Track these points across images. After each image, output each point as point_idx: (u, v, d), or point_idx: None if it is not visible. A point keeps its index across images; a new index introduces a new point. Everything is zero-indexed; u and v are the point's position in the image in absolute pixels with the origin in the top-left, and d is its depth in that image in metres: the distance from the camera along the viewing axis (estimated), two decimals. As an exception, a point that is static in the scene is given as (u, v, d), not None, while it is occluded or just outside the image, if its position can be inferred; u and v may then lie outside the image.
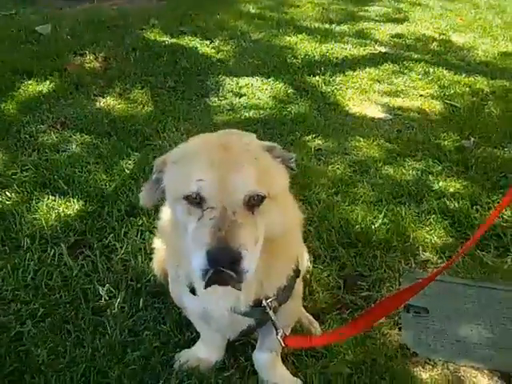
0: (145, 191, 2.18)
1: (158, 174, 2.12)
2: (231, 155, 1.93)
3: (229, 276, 1.81)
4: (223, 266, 1.78)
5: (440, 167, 4.77)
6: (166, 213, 2.37)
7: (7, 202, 3.95)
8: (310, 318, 3.16)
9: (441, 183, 4.53)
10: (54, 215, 3.84)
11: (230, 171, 1.88)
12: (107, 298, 3.21)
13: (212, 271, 1.80)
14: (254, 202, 1.90)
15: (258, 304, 2.31)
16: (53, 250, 3.53)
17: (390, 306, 2.52)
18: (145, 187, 2.19)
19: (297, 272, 2.43)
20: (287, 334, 2.40)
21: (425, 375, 2.90)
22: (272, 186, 1.95)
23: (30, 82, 5.83)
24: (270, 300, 2.31)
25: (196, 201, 1.90)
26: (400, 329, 3.18)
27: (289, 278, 2.37)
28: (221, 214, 1.85)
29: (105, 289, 3.26)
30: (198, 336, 2.89)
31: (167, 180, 2.09)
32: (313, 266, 3.51)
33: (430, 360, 3.00)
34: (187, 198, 1.92)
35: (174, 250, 2.31)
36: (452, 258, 3.19)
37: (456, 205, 4.24)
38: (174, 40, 7.26)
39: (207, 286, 1.88)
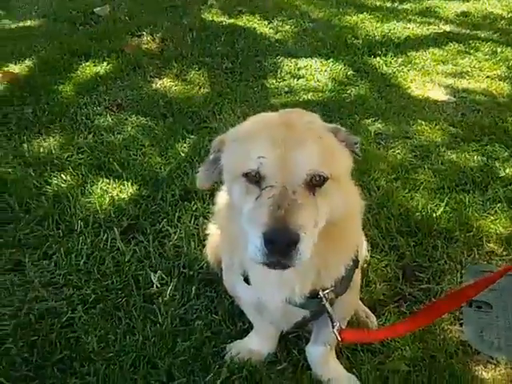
0: (202, 172, 2.13)
1: (216, 153, 2.07)
2: (293, 133, 1.86)
3: (282, 260, 1.73)
4: (280, 247, 1.70)
5: (507, 153, 4.55)
6: (222, 197, 2.32)
7: (62, 185, 3.94)
8: (367, 310, 3.05)
9: (508, 170, 4.32)
10: (107, 199, 3.82)
11: (292, 149, 1.81)
12: (159, 286, 3.17)
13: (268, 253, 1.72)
14: (315, 183, 1.83)
15: (314, 295, 2.22)
16: (106, 235, 3.50)
17: (453, 302, 2.39)
18: (202, 168, 2.14)
19: (356, 262, 2.33)
20: (343, 327, 2.30)
21: (487, 375, 2.76)
22: (335, 167, 1.88)
23: (87, 63, 5.83)
24: (327, 291, 2.23)
25: (255, 179, 1.84)
26: (461, 324, 3.04)
27: (347, 269, 2.27)
28: (280, 193, 1.77)
29: (157, 275, 3.21)
30: (250, 327, 2.83)
31: (226, 159, 2.02)
32: (370, 256, 3.38)
33: (492, 359, 2.85)
34: (246, 175, 1.86)
35: (229, 235, 2.25)
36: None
37: (524, 193, 4.03)
38: (231, 20, 7.15)
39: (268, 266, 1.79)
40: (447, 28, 7.37)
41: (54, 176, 4.02)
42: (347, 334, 2.28)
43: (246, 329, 2.89)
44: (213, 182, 2.12)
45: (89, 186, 3.95)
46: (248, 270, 2.22)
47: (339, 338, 2.23)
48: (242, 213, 1.88)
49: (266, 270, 1.97)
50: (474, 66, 6.28)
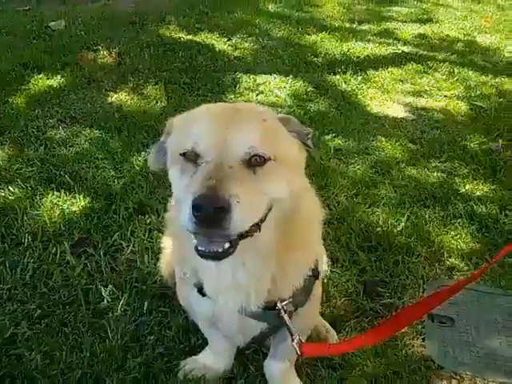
0: (153, 153, 2.10)
1: (166, 136, 2.03)
2: (236, 115, 1.84)
3: (214, 223, 1.62)
4: (207, 213, 1.60)
5: (466, 170, 4.54)
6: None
7: (10, 198, 3.77)
8: (327, 325, 2.96)
9: (467, 186, 4.30)
10: (57, 212, 3.66)
11: (231, 128, 1.78)
12: (109, 300, 3.03)
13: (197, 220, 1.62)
14: (255, 162, 1.76)
15: (271, 307, 2.11)
16: (54, 248, 3.35)
17: (415, 313, 2.32)
18: (153, 149, 2.10)
19: (315, 273, 2.23)
20: (303, 341, 2.18)
21: (451, 390, 2.68)
22: (279, 150, 1.82)
23: (39, 76, 5.65)
24: (285, 303, 2.12)
25: (192, 158, 1.79)
26: (424, 339, 2.96)
27: (306, 279, 2.17)
28: (215, 166, 1.70)
29: (108, 290, 3.07)
30: (205, 343, 2.70)
31: (169, 142, 1.99)
32: (331, 271, 3.29)
33: (456, 374, 2.78)
34: (184, 155, 1.81)
35: (178, 238, 2.14)
36: (486, 265, 2.95)
37: (484, 209, 4.02)
38: (190, 37, 7.06)
39: (197, 239, 1.72)
40: (405, 49, 7.41)
41: (1, 188, 3.86)
42: (307, 348, 2.17)
43: (200, 344, 2.76)
44: (162, 164, 2.03)
45: (38, 198, 3.79)
46: (201, 277, 2.10)
47: (299, 352, 2.12)
48: (179, 191, 1.84)
49: (220, 273, 1.98)
50: (432, 86, 6.32)
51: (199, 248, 1.72)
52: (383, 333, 2.25)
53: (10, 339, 2.75)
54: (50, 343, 2.72)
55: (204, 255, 1.73)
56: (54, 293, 3.04)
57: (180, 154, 1.82)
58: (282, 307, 2.11)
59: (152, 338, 2.79)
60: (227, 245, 1.71)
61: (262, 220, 1.80)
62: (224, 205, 1.60)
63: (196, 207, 1.60)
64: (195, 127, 1.83)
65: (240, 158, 1.74)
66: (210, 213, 1.60)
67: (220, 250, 1.71)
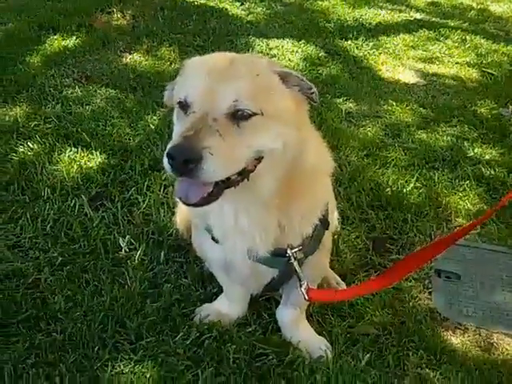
0: (167, 91, 2.19)
1: (179, 76, 2.09)
2: (230, 68, 1.90)
3: (185, 172, 1.74)
4: (177, 163, 1.71)
5: (476, 134, 4.61)
6: None
7: (29, 153, 3.85)
8: (338, 278, 3.06)
9: (476, 150, 4.37)
10: (75, 167, 3.75)
11: (221, 80, 1.85)
12: (127, 250, 3.13)
13: (171, 167, 1.74)
14: (239, 116, 1.83)
15: (282, 254, 2.21)
16: (73, 201, 3.44)
17: (419, 260, 2.41)
18: (168, 86, 2.18)
19: (325, 223, 2.32)
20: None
21: (455, 340, 2.79)
22: (270, 105, 1.88)
23: (55, 37, 5.68)
24: (294, 250, 2.23)
25: (184, 107, 1.88)
26: (430, 293, 3.06)
27: (315, 227, 2.27)
28: (199, 118, 1.80)
29: (125, 240, 3.17)
30: (220, 291, 2.80)
31: (177, 84, 2.06)
32: (341, 228, 3.37)
33: (460, 325, 2.89)
34: (179, 103, 1.91)
35: None
36: (490, 211, 3.04)
37: (492, 172, 4.10)
38: (203, 1, 7.06)
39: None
40: (418, 16, 7.41)
41: (21, 144, 3.93)
42: (314, 294, 2.28)
43: (215, 292, 2.87)
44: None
45: (56, 154, 3.87)
46: (208, 221, 2.22)
47: (306, 297, 2.23)
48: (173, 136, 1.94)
49: (225, 218, 2.12)
50: (443, 53, 6.34)
51: (178, 195, 1.86)
52: (389, 279, 2.35)
53: (33, 284, 2.85)
54: (72, 288, 2.83)
55: (183, 202, 1.86)
56: (74, 243, 3.14)
57: (177, 103, 1.93)
58: (292, 254, 2.22)
59: (169, 285, 2.88)
60: (201, 193, 1.82)
61: (251, 170, 1.90)
62: (193, 156, 1.71)
63: (169, 155, 1.72)
64: (190, 77, 1.94)
65: (224, 111, 1.82)
66: (180, 162, 1.71)
67: (196, 201, 1.83)
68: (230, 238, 2.21)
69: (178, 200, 1.91)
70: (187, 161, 1.71)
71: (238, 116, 1.82)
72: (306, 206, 2.20)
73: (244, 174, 1.90)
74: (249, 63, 1.97)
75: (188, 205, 1.86)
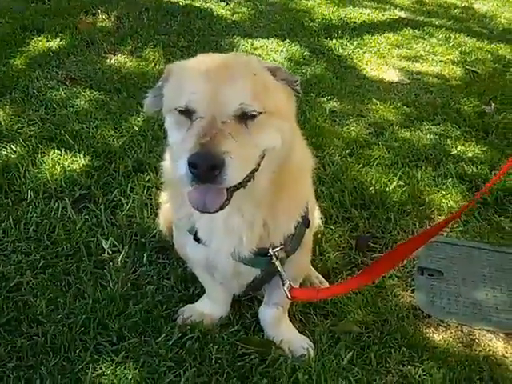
0: (149, 97, 2.18)
1: (163, 82, 2.10)
2: (228, 69, 1.91)
3: (209, 179, 1.76)
4: (202, 170, 1.73)
5: (459, 132, 4.64)
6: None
7: (12, 156, 3.84)
8: (320, 277, 3.07)
9: (459, 148, 4.40)
10: (59, 170, 3.74)
11: (223, 83, 1.86)
12: (110, 252, 3.13)
13: (193, 175, 1.75)
14: (247, 117, 1.85)
15: (264, 253, 2.23)
16: (56, 204, 3.43)
17: (398, 256, 2.42)
18: (150, 93, 2.17)
19: (306, 221, 2.34)
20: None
21: (438, 337, 2.80)
22: (269, 102, 1.91)
23: (39, 38, 5.67)
24: (276, 249, 2.24)
25: (187, 113, 1.88)
26: (413, 291, 3.08)
27: (297, 226, 2.28)
28: (209, 123, 1.81)
29: (108, 242, 3.17)
30: (202, 291, 2.81)
31: (166, 90, 2.06)
32: (324, 226, 3.39)
33: (443, 322, 2.91)
34: (180, 111, 1.90)
35: (173, 185, 2.27)
36: (472, 200, 3.07)
37: (474, 170, 4.12)
38: (188, 1, 7.06)
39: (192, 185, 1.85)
40: (402, 14, 7.45)
41: (3, 147, 3.92)
42: (297, 292, 2.29)
43: (198, 293, 2.87)
44: (158, 108, 2.12)
45: (39, 156, 3.86)
46: (196, 222, 2.22)
47: (289, 296, 2.25)
48: (175, 143, 1.97)
49: (214, 218, 2.10)
50: (428, 51, 6.37)
51: (195, 205, 1.87)
52: (369, 276, 2.37)
53: (15, 287, 2.85)
54: (54, 291, 2.82)
55: (201, 211, 1.88)
56: (57, 245, 3.14)
57: (175, 109, 1.91)
58: (274, 253, 2.23)
59: (151, 287, 2.89)
60: (221, 200, 1.85)
61: (256, 169, 1.92)
62: (218, 162, 1.72)
63: (192, 165, 1.72)
64: (189, 83, 1.91)
65: (232, 113, 1.83)
66: (205, 170, 1.72)
67: (216, 208, 1.85)
68: (216, 239, 2.22)
69: (194, 210, 1.93)
70: (213, 167, 1.72)
71: (245, 117, 1.84)
72: (290, 203, 2.22)
73: (252, 173, 1.92)
74: (244, 63, 1.99)
75: (207, 213, 1.88)
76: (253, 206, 2.10)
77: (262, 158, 1.93)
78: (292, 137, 2.04)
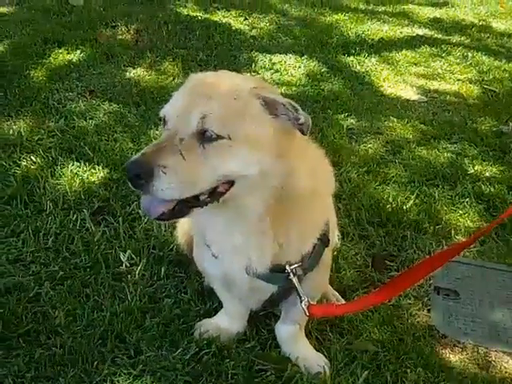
0: None
1: None
2: (209, 89, 1.92)
3: (138, 187, 1.82)
4: (130, 177, 1.79)
5: (476, 151, 4.63)
6: None
7: (32, 167, 3.88)
8: (337, 295, 3.07)
9: (476, 167, 4.39)
10: (78, 181, 3.77)
11: (195, 101, 1.87)
12: (128, 265, 3.14)
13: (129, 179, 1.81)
14: (206, 138, 1.84)
15: (280, 270, 2.23)
16: (75, 215, 3.46)
17: (417, 275, 2.41)
18: None
19: (325, 240, 2.34)
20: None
21: (454, 357, 2.79)
22: (239, 130, 1.86)
23: (60, 50, 5.75)
24: (294, 266, 2.24)
25: (164, 123, 1.94)
26: (429, 310, 3.07)
27: (315, 245, 2.29)
28: (168, 136, 1.86)
29: (126, 255, 3.18)
30: (220, 306, 2.82)
31: None
32: (341, 244, 3.39)
33: (459, 343, 2.89)
34: (160, 119, 1.98)
35: None
36: (491, 224, 3.06)
37: (492, 189, 4.11)
38: (207, 16, 7.14)
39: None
40: (420, 32, 7.46)
41: (24, 158, 3.96)
42: (315, 309, 2.29)
43: (215, 308, 2.88)
44: None
45: (59, 168, 3.89)
46: (206, 238, 2.28)
47: (307, 313, 2.25)
48: None
49: (220, 236, 2.19)
50: (445, 69, 6.38)
51: (141, 208, 1.94)
52: (388, 293, 2.37)
53: (34, 298, 2.86)
54: (73, 302, 2.84)
55: (145, 215, 1.99)
56: (76, 257, 3.16)
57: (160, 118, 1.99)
58: (292, 270, 2.23)
59: (169, 300, 2.90)
60: (161, 209, 1.87)
61: (222, 192, 1.94)
62: (144, 172, 1.77)
63: (124, 170, 1.80)
64: (175, 94, 1.99)
65: (191, 131, 1.84)
66: (132, 177, 1.79)
67: (156, 216, 1.90)
68: (227, 255, 2.24)
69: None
70: (138, 176, 1.78)
71: (204, 137, 1.84)
72: (303, 226, 2.22)
73: (214, 195, 1.93)
74: (231, 85, 1.95)
75: (153, 218, 1.93)
76: (254, 227, 2.10)
77: (231, 184, 1.93)
78: (281, 170, 1.97)
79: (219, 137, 1.83)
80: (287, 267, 2.23)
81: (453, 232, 3.67)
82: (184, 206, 1.91)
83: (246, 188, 1.95)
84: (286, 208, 2.07)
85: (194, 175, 1.84)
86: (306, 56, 6.20)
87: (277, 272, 2.23)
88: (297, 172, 2.04)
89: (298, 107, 1.93)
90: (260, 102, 1.93)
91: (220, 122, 1.84)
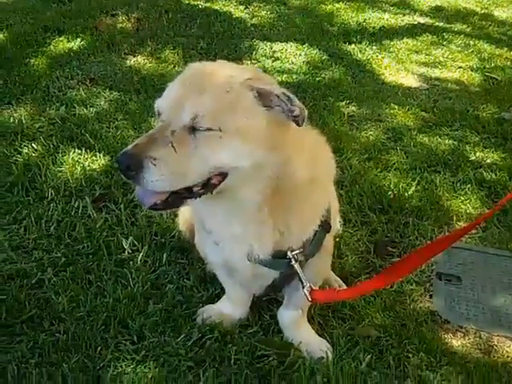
0: None
1: None
2: (202, 81, 1.92)
3: (129, 177, 1.84)
4: (120, 168, 1.82)
5: (478, 138, 4.63)
6: None
7: (33, 155, 3.88)
8: (339, 281, 3.08)
9: (478, 154, 4.38)
10: (79, 169, 3.77)
11: (187, 93, 1.88)
12: (130, 251, 3.14)
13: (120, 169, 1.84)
14: (197, 130, 1.85)
15: (282, 256, 2.24)
16: (77, 203, 3.47)
17: (418, 259, 2.42)
18: None
19: (326, 226, 2.34)
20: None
21: (456, 342, 2.80)
22: (230, 122, 1.86)
23: (60, 38, 5.73)
24: (295, 252, 2.25)
25: (158, 115, 1.95)
26: (431, 296, 3.08)
27: (316, 231, 2.29)
28: (160, 128, 1.87)
29: (128, 241, 3.19)
30: (222, 292, 2.83)
31: None
32: (343, 230, 3.39)
33: (461, 328, 2.90)
34: (156, 111, 1.98)
35: None
36: (490, 211, 3.07)
37: (493, 176, 4.10)
38: (207, 4, 7.10)
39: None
40: (421, 20, 7.43)
41: (25, 145, 3.96)
42: (317, 294, 2.30)
43: (217, 294, 2.88)
44: None
45: (60, 155, 3.89)
46: (206, 226, 2.29)
47: (309, 298, 2.26)
48: None
49: (219, 225, 2.20)
50: (446, 57, 6.35)
51: (137, 197, 1.96)
52: (389, 278, 2.38)
53: (37, 284, 2.88)
54: (75, 289, 2.85)
55: (142, 205, 1.96)
56: (78, 243, 3.17)
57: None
58: (293, 256, 2.24)
59: (171, 286, 2.91)
60: (154, 200, 1.90)
61: (215, 184, 1.94)
62: (133, 163, 1.79)
63: (116, 160, 1.83)
64: (169, 86, 1.98)
65: (183, 124, 1.84)
66: (123, 168, 1.81)
67: (149, 206, 1.93)
68: (228, 243, 2.25)
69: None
70: (128, 168, 1.80)
71: (195, 130, 1.84)
72: (303, 213, 2.21)
73: (208, 187, 1.94)
74: (225, 77, 1.94)
75: (147, 208, 1.97)
76: (252, 217, 2.11)
77: (224, 176, 1.93)
78: (276, 162, 1.97)
79: (210, 129, 1.84)
80: (289, 253, 2.24)
81: (454, 218, 3.67)
82: (177, 197, 1.93)
83: (239, 180, 1.95)
84: (284, 197, 2.08)
85: (184, 167, 1.85)
86: (306, 44, 6.18)
87: (278, 258, 2.24)
88: (294, 162, 2.03)
89: (294, 98, 1.92)
90: (253, 94, 1.91)
91: (211, 117, 1.84)
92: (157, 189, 1.85)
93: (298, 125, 1.94)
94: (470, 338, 2.83)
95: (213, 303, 2.83)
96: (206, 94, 1.86)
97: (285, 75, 5.46)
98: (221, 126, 1.84)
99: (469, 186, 3.97)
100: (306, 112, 1.93)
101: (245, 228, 2.15)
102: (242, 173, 1.92)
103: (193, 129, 1.84)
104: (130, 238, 3.21)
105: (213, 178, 1.92)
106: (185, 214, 2.96)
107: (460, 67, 6.12)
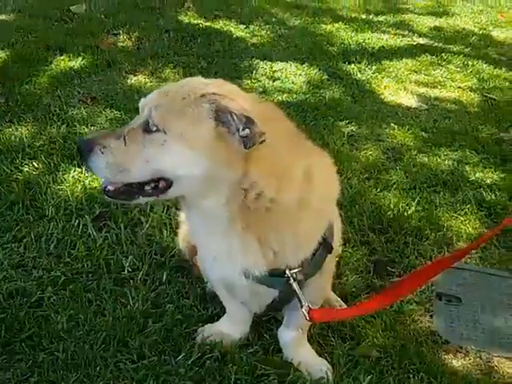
0: None
1: None
2: (174, 89, 2.08)
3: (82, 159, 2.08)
4: (77, 150, 2.18)
5: (477, 158, 4.65)
6: None
7: (33, 173, 3.88)
8: (340, 300, 3.06)
9: (477, 174, 4.40)
10: (79, 187, 3.77)
11: (155, 97, 2.05)
12: (130, 270, 3.14)
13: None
14: (147, 128, 1.97)
15: (280, 274, 2.24)
16: (77, 221, 3.46)
17: (418, 280, 2.43)
18: None
19: (327, 246, 2.32)
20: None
21: (456, 363, 2.79)
22: (176, 127, 1.95)
23: (62, 57, 5.76)
24: (294, 271, 2.24)
25: None
26: (431, 316, 3.07)
27: (316, 251, 2.28)
28: (127, 126, 2.08)
29: (128, 260, 3.18)
30: (222, 311, 2.82)
31: None
32: (342, 250, 3.38)
33: (461, 348, 2.89)
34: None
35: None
36: (489, 233, 3.07)
37: (493, 196, 4.12)
38: (208, 23, 7.15)
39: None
40: (421, 41, 7.49)
41: (26, 164, 3.96)
42: (316, 314, 2.28)
43: (217, 313, 2.87)
44: None
45: (61, 174, 3.89)
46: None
47: (307, 317, 2.24)
48: None
49: (206, 235, 2.26)
50: (445, 77, 6.39)
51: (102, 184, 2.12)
52: (389, 299, 2.37)
53: (36, 303, 2.86)
54: (75, 307, 2.85)
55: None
56: (78, 262, 3.16)
57: None
58: (291, 275, 2.23)
59: (171, 305, 2.90)
60: (107, 185, 2.08)
61: (162, 189, 2.02)
62: (84, 146, 2.04)
63: (75, 142, 2.12)
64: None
65: (139, 122, 2.02)
66: (77, 150, 2.16)
67: (106, 191, 2.11)
68: (220, 260, 2.27)
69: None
70: (79, 149, 2.05)
71: (148, 131, 1.96)
72: (298, 234, 2.20)
73: (157, 190, 2.04)
74: (191, 87, 2.05)
75: (102, 192, 2.14)
76: (233, 234, 2.13)
77: (168, 182, 1.99)
78: (232, 177, 1.98)
79: (157, 130, 1.94)
80: (287, 271, 2.24)
81: (454, 238, 3.68)
82: (128, 190, 2.06)
83: (190, 189, 2.03)
84: (266, 217, 2.07)
85: (129, 162, 1.99)
86: (306, 64, 6.21)
87: (276, 276, 2.24)
88: (262, 183, 2.02)
89: (254, 122, 1.90)
90: (210, 107, 1.95)
91: (160, 114, 1.96)
92: (100, 175, 2.10)
93: (244, 147, 1.92)
94: (470, 359, 2.82)
95: (212, 322, 2.82)
96: (166, 98, 2.01)
97: (285, 95, 5.49)
98: (165, 127, 1.94)
99: (468, 206, 3.98)
100: (261, 138, 1.91)
101: (229, 243, 2.17)
102: (188, 182, 1.99)
103: (146, 127, 1.97)
104: (130, 256, 3.21)
105: (160, 182, 2.01)
106: (184, 233, 2.96)
107: (459, 87, 6.15)
